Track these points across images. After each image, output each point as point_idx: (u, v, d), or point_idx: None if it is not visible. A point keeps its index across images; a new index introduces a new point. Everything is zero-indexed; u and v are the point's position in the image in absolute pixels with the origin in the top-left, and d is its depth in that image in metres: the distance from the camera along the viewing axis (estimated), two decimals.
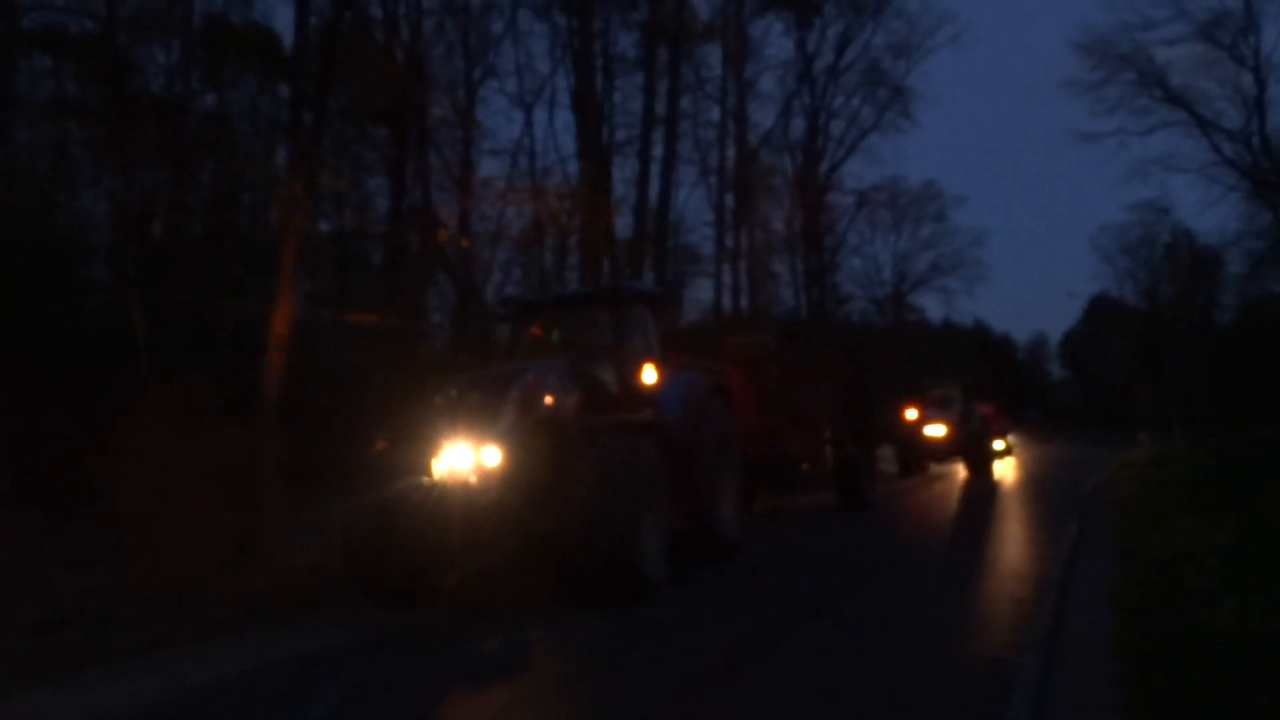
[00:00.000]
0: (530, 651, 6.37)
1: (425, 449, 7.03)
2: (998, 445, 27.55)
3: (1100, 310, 68.08)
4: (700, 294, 30.69)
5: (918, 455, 24.20)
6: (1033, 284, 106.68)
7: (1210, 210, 54.19)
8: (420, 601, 7.35)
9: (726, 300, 30.33)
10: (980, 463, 23.46)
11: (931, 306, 51.23)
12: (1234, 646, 5.23)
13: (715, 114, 30.38)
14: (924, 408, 24.30)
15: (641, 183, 22.29)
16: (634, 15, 25.28)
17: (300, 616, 7.50)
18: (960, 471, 24.42)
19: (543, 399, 7.61)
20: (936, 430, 23.60)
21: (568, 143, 34.48)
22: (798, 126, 35.52)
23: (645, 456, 7.51)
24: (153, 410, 9.45)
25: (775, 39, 49.89)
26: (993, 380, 35.90)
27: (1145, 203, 55.33)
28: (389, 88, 18.60)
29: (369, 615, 7.31)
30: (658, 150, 23.79)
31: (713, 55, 29.40)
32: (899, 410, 24.17)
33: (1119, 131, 36.23)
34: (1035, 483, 22.01)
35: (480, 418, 7.11)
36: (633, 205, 22.76)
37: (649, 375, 8.82)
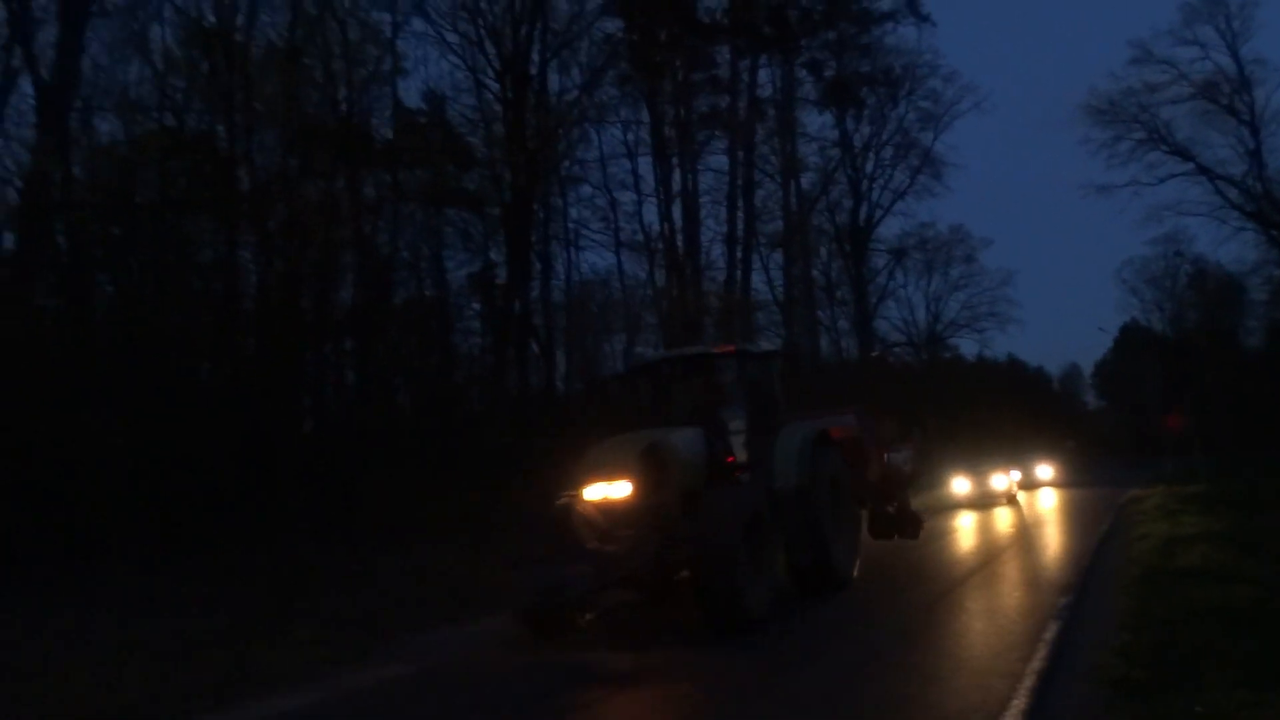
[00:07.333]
0: None
1: None
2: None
3: (1130, 338, 70.85)
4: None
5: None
6: (1063, 320, 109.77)
7: (1225, 244, 57.09)
8: None
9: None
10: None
11: (967, 347, 54.86)
12: (1193, 572, 9.23)
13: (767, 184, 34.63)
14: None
15: (731, 260, 26.53)
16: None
17: None
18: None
19: None
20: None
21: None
22: (840, 191, 39.92)
23: None
24: None
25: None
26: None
27: (1165, 236, 58.51)
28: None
29: None
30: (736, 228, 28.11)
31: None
32: None
33: (1132, 183, 40.16)
34: None
35: None
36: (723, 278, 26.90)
37: None
